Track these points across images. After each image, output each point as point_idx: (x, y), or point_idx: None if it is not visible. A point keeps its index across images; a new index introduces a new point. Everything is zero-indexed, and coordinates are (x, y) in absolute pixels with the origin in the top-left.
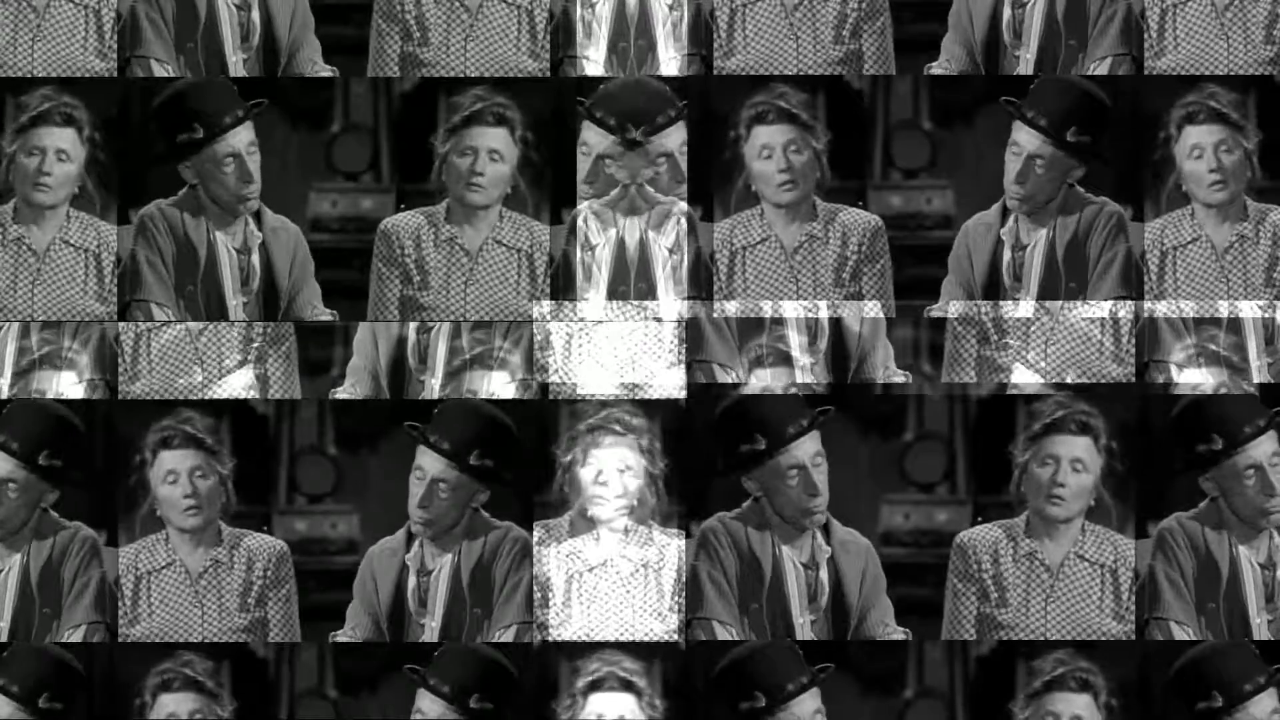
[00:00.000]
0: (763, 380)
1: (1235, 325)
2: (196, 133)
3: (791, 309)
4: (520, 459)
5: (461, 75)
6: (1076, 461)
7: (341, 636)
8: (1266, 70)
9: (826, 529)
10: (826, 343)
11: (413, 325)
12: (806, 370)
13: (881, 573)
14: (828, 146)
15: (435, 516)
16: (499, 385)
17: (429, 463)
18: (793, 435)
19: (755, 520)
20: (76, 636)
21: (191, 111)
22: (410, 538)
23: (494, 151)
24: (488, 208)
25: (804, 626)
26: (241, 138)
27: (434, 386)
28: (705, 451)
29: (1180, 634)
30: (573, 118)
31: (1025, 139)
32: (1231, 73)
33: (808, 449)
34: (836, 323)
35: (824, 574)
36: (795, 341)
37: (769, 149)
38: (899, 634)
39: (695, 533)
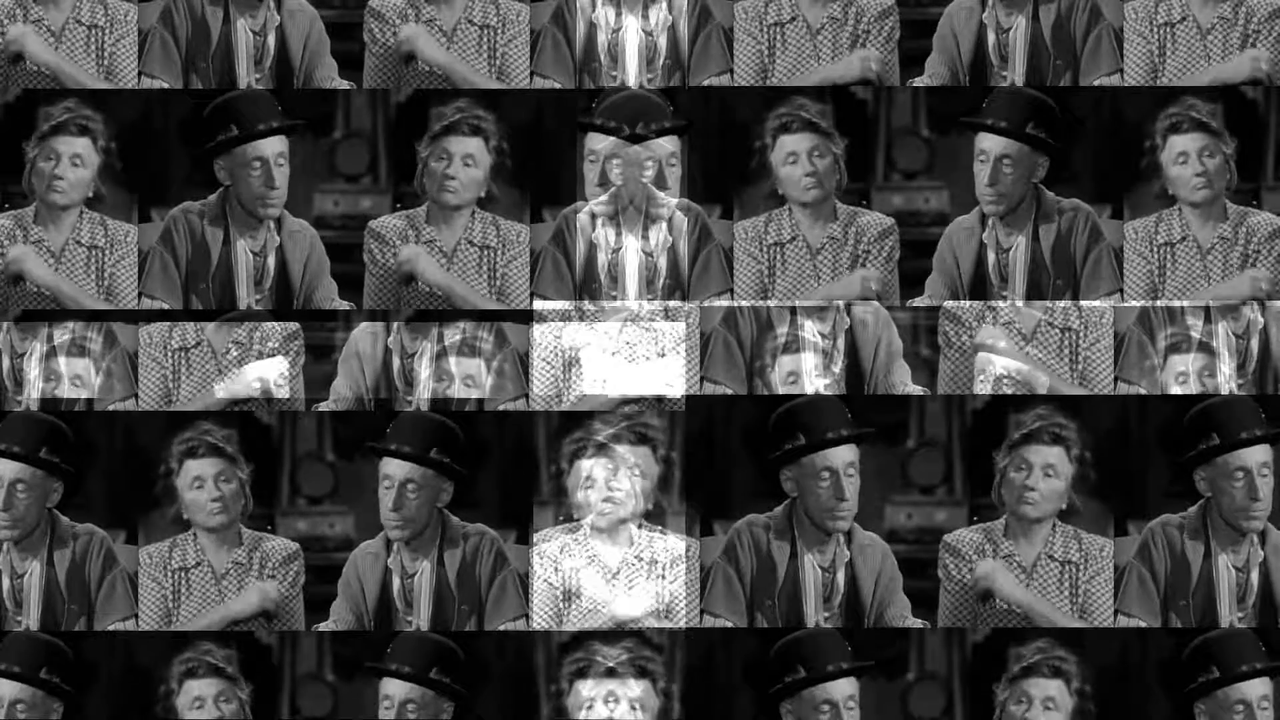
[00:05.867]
0: (789, 367)
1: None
2: (231, 131)
3: (805, 305)
4: (473, 456)
5: (448, 88)
6: (1048, 467)
7: (324, 627)
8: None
9: (850, 536)
10: (842, 365)
11: (396, 355)
12: (826, 379)
13: (898, 573)
14: (845, 151)
15: (408, 517)
16: (474, 370)
17: (394, 469)
18: (831, 440)
19: (779, 525)
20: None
21: (233, 113)
22: (389, 543)
23: (468, 157)
24: (459, 209)
25: (818, 623)
26: (273, 146)
27: (421, 402)
28: (716, 455)
29: (1127, 624)
30: (556, 124)
31: (990, 144)
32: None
33: (844, 456)
34: (850, 335)
35: (840, 576)
36: (811, 329)
37: (794, 155)
38: (917, 624)
39: (718, 532)
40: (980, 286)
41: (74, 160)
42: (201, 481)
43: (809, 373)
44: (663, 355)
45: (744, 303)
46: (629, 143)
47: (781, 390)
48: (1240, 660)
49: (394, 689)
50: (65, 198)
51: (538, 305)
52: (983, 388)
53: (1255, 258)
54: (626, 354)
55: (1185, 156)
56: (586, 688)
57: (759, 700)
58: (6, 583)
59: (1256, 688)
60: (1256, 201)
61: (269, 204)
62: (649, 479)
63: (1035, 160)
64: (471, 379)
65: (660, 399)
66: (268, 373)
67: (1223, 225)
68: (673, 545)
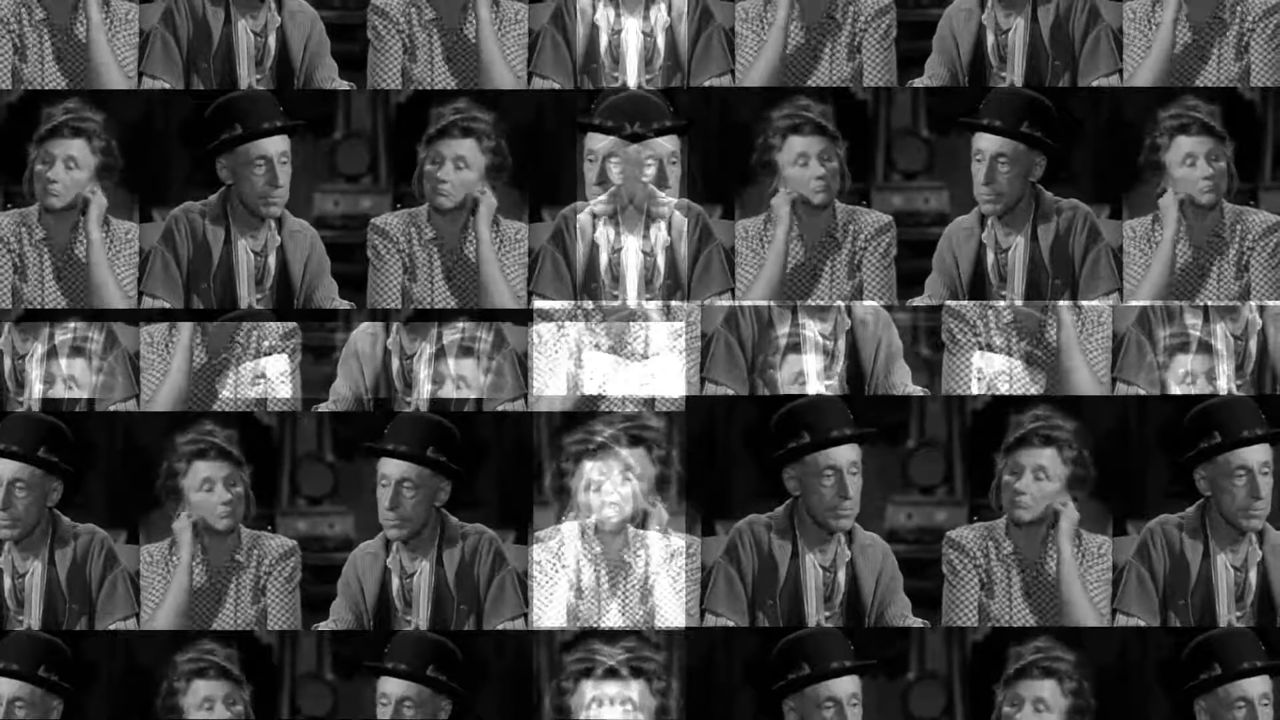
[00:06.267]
0: (794, 367)
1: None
2: (235, 130)
3: (806, 308)
4: (470, 456)
5: (446, 89)
6: (1039, 470)
7: (323, 627)
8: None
9: (850, 536)
10: (842, 365)
11: (395, 356)
12: (826, 382)
13: (899, 573)
14: (846, 154)
15: (405, 517)
16: (469, 371)
17: (391, 468)
18: (836, 438)
19: (780, 525)
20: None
21: (236, 113)
22: (388, 543)
23: (459, 159)
24: (456, 210)
25: (819, 623)
26: (275, 145)
27: (420, 403)
28: (717, 456)
29: (1126, 623)
30: (555, 124)
31: (985, 143)
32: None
33: (847, 455)
34: (851, 336)
35: (841, 576)
36: (813, 329)
37: (805, 157)
38: (918, 624)
39: (720, 531)
40: (979, 286)
41: (68, 163)
42: (211, 484)
43: (814, 373)
44: (656, 355)
45: (746, 302)
46: (629, 142)
47: (786, 391)
48: (1242, 658)
49: (390, 687)
50: (60, 200)
51: (537, 305)
52: (979, 387)
53: (1249, 255)
54: (621, 353)
55: (1193, 158)
56: (588, 688)
57: (761, 698)
58: (8, 582)
59: (1258, 685)
60: (1254, 201)
61: (271, 202)
62: (645, 481)
63: (1031, 159)
64: (464, 380)
65: (652, 400)
66: (269, 370)
67: (1218, 225)
68: (674, 545)
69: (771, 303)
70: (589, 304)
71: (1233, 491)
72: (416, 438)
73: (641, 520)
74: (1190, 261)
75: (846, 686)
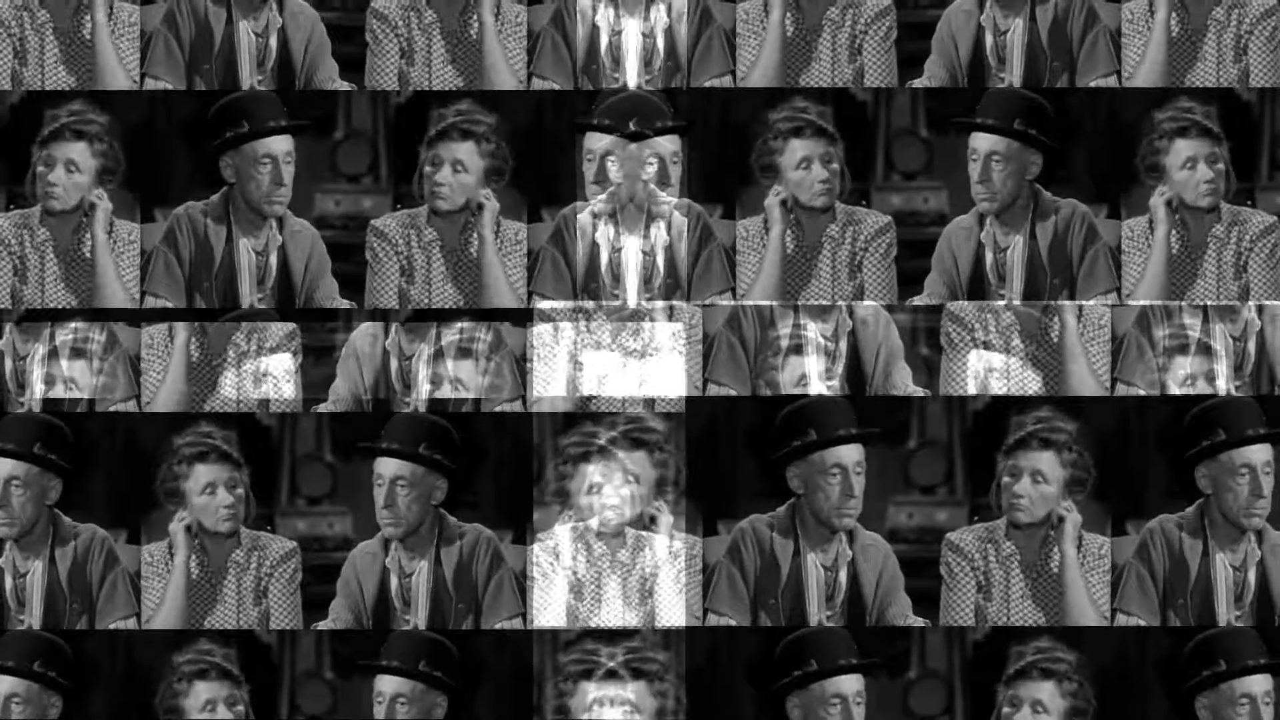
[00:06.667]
0: (797, 369)
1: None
2: (242, 128)
3: (806, 306)
4: (466, 454)
5: (446, 90)
6: (1037, 473)
7: (322, 626)
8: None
9: (852, 535)
10: (843, 366)
11: (394, 357)
12: (828, 383)
13: (900, 573)
14: (845, 155)
15: (399, 515)
16: (466, 373)
17: (385, 467)
18: (843, 437)
19: (783, 525)
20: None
21: (242, 111)
22: (387, 543)
23: (458, 163)
24: (457, 212)
25: (820, 622)
26: (280, 144)
27: (418, 404)
28: (719, 456)
29: (1127, 623)
30: (555, 124)
31: (980, 142)
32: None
33: (852, 455)
34: (852, 337)
35: (842, 575)
36: (815, 330)
37: (808, 160)
38: (918, 623)
39: (722, 531)
40: (978, 286)
41: (68, 166)
42: (214, 487)
43: (816, 375)
44: (653, 355)
45: (748, 303)
46: (628, 141)
47: (788, 392)
48: (1245, 655)
49: (384, 685)
50: (60, 203)
51: (538, 305)
52: (976, 385)
53: (1247, 255)
54: (621, 354)
55: (1193, 161)
56: (588, 689)
57: (765, 695)
58: (9, 582)
59: (1260, 683)
60: (1251, 202)
61: (275, 201)
62: (645, 484)
63: (1026, 157)
64: (461, 382)
65: (652, 401)
66: (274, 369)
67: (1215, 226)
68: (675, 545)
69: (774, 303)
70: (590, 304)
71: (1235, 489)
72: (410, 436)
73: (646, 523)
74: (1181, 251)
75: (852, 684)
